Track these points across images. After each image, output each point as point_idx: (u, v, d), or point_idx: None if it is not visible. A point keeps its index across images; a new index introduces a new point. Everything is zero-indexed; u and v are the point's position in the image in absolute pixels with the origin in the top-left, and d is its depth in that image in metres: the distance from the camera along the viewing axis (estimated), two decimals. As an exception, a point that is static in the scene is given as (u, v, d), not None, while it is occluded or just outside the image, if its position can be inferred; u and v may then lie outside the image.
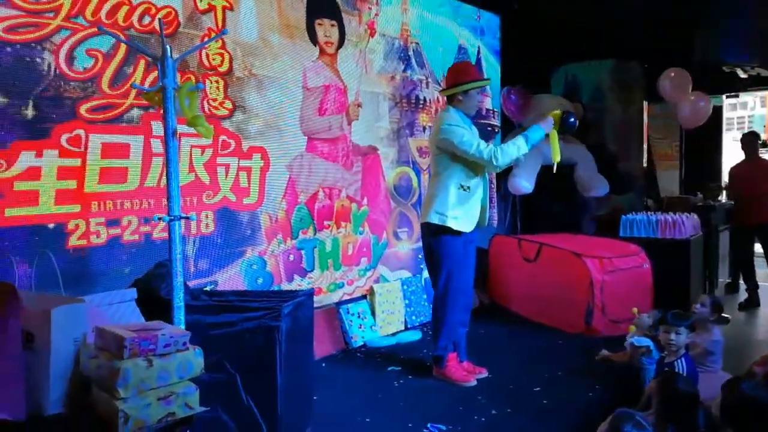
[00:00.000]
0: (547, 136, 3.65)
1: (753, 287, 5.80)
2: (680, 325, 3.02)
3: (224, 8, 3.77)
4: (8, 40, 2.86)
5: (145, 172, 3.39)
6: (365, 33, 4.75)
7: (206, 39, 3.60)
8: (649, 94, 6.61)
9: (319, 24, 4.38)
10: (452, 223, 3.57)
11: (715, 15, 5.33)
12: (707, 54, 5.29)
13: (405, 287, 4.92)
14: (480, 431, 3.02)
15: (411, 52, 5.15)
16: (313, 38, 4.34)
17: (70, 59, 3.08)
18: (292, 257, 4.22)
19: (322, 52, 4.40)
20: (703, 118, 5.81)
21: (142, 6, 3.35)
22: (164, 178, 3.34)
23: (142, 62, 3.34)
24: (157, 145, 3.43)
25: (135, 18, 3.32)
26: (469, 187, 3.60)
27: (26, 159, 2.92)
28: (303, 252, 4.29)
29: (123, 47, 3.26)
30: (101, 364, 1.51)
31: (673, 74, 5.88)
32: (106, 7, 3.20)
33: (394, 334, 4.62)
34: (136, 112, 3.34)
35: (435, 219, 3.59)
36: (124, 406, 1.44)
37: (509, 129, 6.21)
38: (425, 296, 5.07)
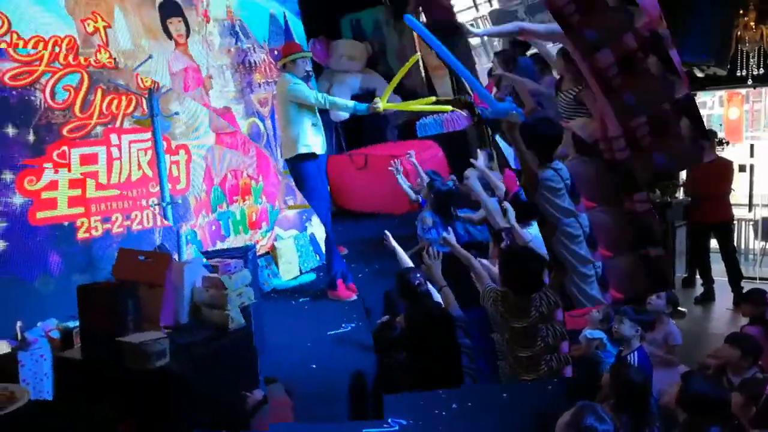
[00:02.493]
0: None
1: (708, 282, 5.97)
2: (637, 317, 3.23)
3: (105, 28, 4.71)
4: (12, 85, 3.83)
5: (109, 172, 4.47)
6: (203, 21, 5.89)
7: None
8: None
9: (170, 22, 5.44)
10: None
11: (675, 13, 5.21)
12: None
13: (296, 242, 6.38)
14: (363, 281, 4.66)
15: (238, 28, 6.35)
16: (169, 35, 5.41)
17: (53, 94, 4.07)
18: (214, 227, 5.48)
19: (177, 44, 5.48)
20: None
21: (52, 39, 4.12)
22: (122, 176, 4.53)
23: (99, 91, 4.37)
24: (114, 152, 4.51)
25: (48, 49, 4.13)
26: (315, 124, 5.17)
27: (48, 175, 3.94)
28: (221, 222, 5.56)
29: (86, 82, 4.27)
30: (213, 294, 2.82)
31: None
32: (31, 44, 4.03)
33: (294, 278, 6.08)
34: (99, 129, 4.39)
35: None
36: (231, 314, 2.79)
37: (319, 72, 7.53)
38: (311, 248, 6.57)
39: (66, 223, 4.08)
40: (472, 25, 5.25)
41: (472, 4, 9.21)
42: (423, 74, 8.47)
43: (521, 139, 2.68)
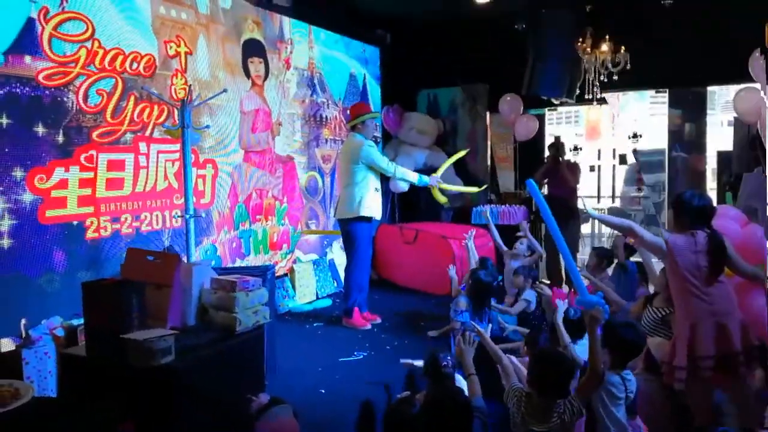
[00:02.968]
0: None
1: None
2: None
3: (186, 54, 4.89)
4: (46, 85, 3.86)
5: (135, 180, 4.46)
6: (283, 67, 6.03)
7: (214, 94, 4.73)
8: (492, 107, 8.37)
9: (251, 61, 5.60)
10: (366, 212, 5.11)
11: (536, 57, 6.92)
12: (530, 88, 6.94)
13: (315, 267, 6.29)
14: (390, 354, 4.53)
15: (316, 81, 6.51)
16: (247, 73, 5.56)
17: (86, 97, 4.10)
18: (234, 244, 5.43)
19: (253, 83, 5.63)
20: (532, 133, 7.68)
21: (131, 55, 4.40)
22: (148, 185, 4.52)
23: (132, 98, 4.41)
24: (142, 160, 4.52)
25: (127, 64, 4.37)
26: (377, 189, 5.15)
27: (59, 173, 3.93)
28: (242, 240, 5.51)
29: (120, 87, 4.31)
30: (221, 296, 2.75)
31: (509, 98, 7.70)
32: (108, 56, 4.23)
33: (310, 303, 5.98)
34: (129, 136, 4.41)
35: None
36: (239, 317, 2.70)
37: (388, 139, 7.77)
38: (329, 274, 6.48)
39: (75, 222, 4.04)
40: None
41: (596, 195, 9.74)
42: (489, 163, 8.59)
43: (599, 337, 2.66)
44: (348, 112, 6.35)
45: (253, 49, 5.61)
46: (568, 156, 7.44)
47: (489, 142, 8.77)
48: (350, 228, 5.13)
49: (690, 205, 3.02)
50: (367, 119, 5.19)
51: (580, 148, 9.87)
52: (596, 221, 9.77)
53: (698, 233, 2.96)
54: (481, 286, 4.38)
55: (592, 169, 11.51)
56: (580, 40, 7.07)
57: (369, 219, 5.14)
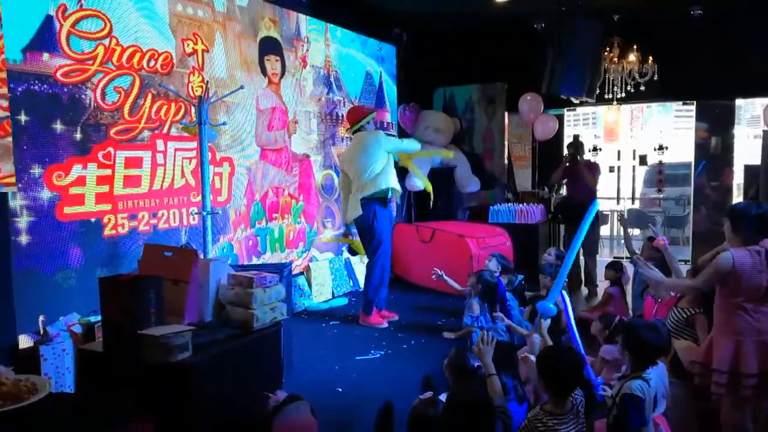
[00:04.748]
0: None
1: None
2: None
3: (203, 51, 4.89)
4: (64, 82, 3.86)
5: (153, 177, 4.46)
6: (300, 65, 6.02)
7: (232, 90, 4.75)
8: (510, 107, 8.32)
9: (267, 59, 5.59)
10: None
11: (555, 57, 6.85)
12: (550, 87, 6.85)
13: (331, 265, 6.27)
14: (407, 353, 4.49)
15: (332, 79, 6.49)
16: (264, 71, 5.55)
17: (104, 95, 4.11)
18: (251, 242, 5.41)
19: (269, 81, 5.62)
20: (551, 133, 7.61)
21: (149, 52, 4.41)
22: (165, 182, 4.51)
23: (150, 95, 4.41)
24: (159, 157, 4.51)
25: (144, 62, 4.37)
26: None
27: (76, 170, 3.94)
28: (258, 238, 5.50)
29: (137, 85, 4.31)
30: (238, 292, 2.72)
31: (529, 97, 7.63)
32: (126, 54, 4.23)
33: (326, 301, 5.95)
34: (146, 133, 4.41)
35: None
36: (256, 313, 2.68)
37: (404, 138, 7.72)
38: (345, 272, 6.44)
39: (93, 219, 4.04)
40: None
41: (615, 196, 10.27)
42: (506, 162, 8.52)
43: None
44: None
45: (269, 46, 5.60)
46: (587, 156, 7.35)
47: (506, 141, 8.71)
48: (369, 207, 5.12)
49: (748, 214, 2.85)
50: (369, 120, 5.24)
51: (600, 149, 9.77)
52: (612, 225, 9.77)
53: (762, 251, 2.81)
54: (488, 286, 4.51)
55: (611, 170, 11.41)
56: (608, 49, 7.02)
57: (385, 200, 5.12)
